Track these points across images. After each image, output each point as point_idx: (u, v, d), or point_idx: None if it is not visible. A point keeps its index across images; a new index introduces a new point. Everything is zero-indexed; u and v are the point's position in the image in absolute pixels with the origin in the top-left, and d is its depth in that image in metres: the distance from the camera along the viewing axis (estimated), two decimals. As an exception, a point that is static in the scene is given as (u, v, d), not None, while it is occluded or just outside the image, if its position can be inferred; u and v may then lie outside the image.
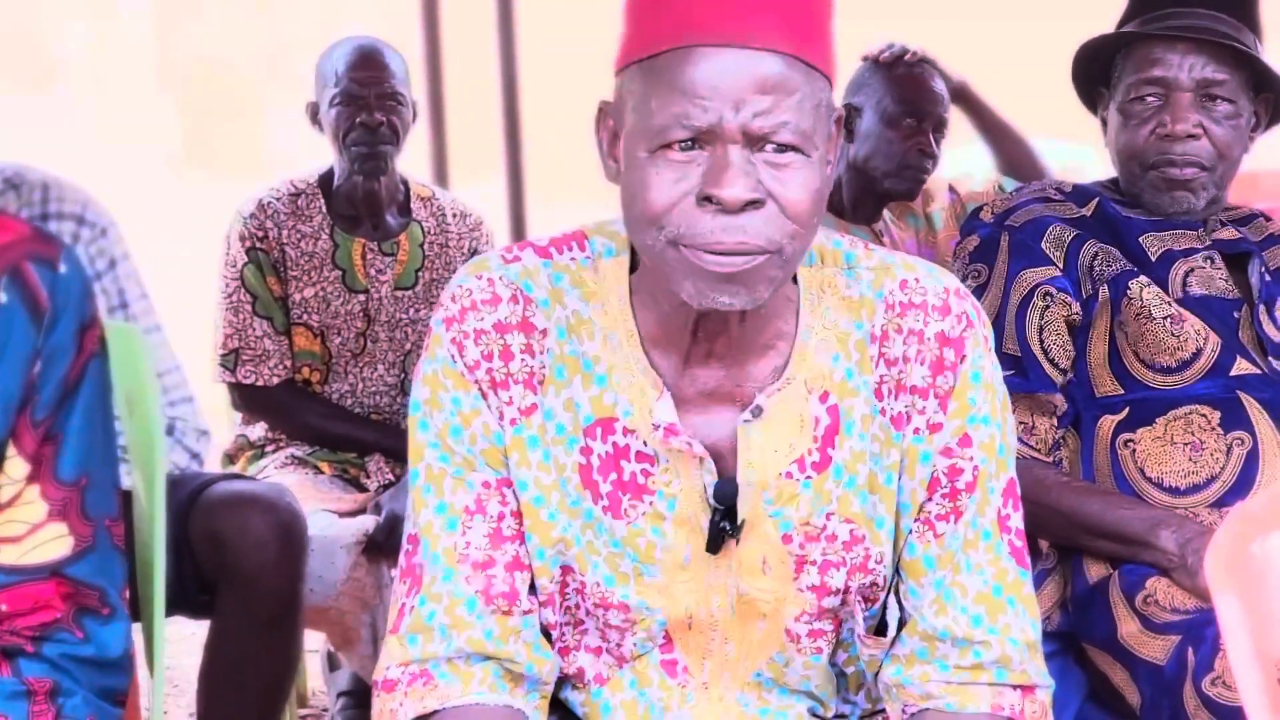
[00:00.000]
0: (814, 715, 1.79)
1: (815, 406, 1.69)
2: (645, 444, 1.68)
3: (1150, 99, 2.46)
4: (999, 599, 1.72)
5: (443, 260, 3.56)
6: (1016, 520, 1.74)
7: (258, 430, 3.55)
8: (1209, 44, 2.43)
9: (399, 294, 3.51)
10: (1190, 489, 2.36)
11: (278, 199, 3.47)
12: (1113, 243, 2.46)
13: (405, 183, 3.61)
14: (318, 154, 3.57)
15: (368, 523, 3.18)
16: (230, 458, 3.59)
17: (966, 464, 1.70)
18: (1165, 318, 2.39)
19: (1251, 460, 2.35)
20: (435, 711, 1.67)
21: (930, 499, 1.71)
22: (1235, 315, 2.44)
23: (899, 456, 1.70)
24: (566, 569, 1.70)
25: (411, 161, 3.68)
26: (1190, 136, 2.43)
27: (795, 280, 1.69)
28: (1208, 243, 2.50)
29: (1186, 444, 2.36)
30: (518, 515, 1.69)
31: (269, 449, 3.52)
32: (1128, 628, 2.27)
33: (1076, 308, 2.43)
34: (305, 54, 3.97)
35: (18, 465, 1.67)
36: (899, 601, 1.76)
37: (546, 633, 1.73)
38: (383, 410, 3.53)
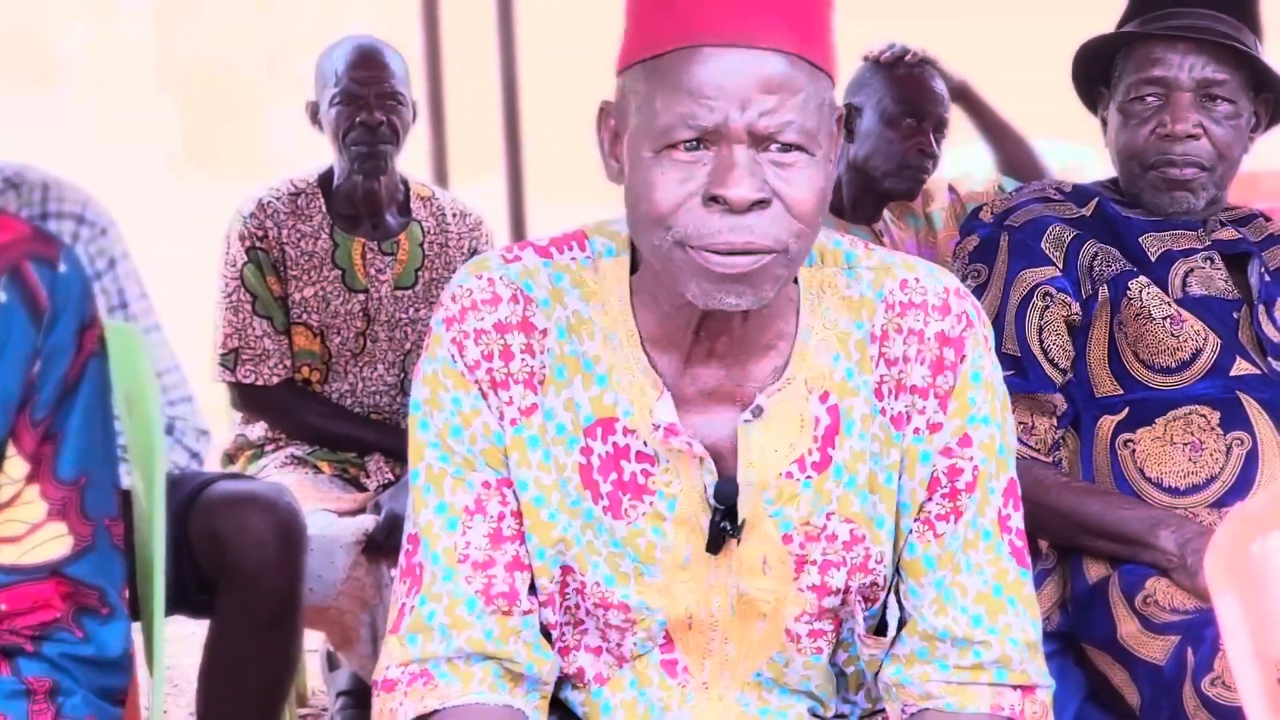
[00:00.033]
0: (814, 715, 1.79)
1: (815, 406, 1.69)
2: (645, 444, 1.68)
3: (1150, 99, 2.46)
4: (999, 599, 1.72)
5: (442, 260, 3.56)
6: (1017, 520, 1.74)
7: (257, 430, 3.55)
8: (1209, 44, 2.43)
9: (399, 293, 3.51)
10: (1190, 489, 2.36)
11: (277, 198, 3.47)
12: (1112, 243, 2.46)
13: (405, 182, 3.61)
14: (318, 154, 3.57)
15: (367, 522, 3.18)
16: (230, 457, 3.59)
17: (966, 464, 1.70)
18: (1165, 318, 2.39)
19: (1251, 460, 2.35)
20: (435, 711, 1.67)
21: (930, 499, 1.71)
22: (1235, 315, 2.44)
23: (899, 456, 1.70)
24: (566, 569, 1.70)
25: (411, 161, 3.68)
26: (1190, 136, 2.43)
27: (796, 280, 1.69)
28: (1207, 243, 2.50)
29: (1186, 444, 2.36)
30: (518, 515, 1.69)
31: (269, 448, 3.52)
32: (1127, 628, 2.27)
33: (1076, 308, 2.43)
34: (305, 54, 3.97)
35: (17, 465, 1.67)
36: (899, 601, 1.76)
37: (546, 632, 1.73)
38: (382, 410, 3.53)
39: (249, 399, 3.49)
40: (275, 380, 3.44)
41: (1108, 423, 2.40)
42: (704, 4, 1.54)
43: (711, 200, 1.54)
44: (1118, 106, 2.50)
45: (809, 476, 1.69)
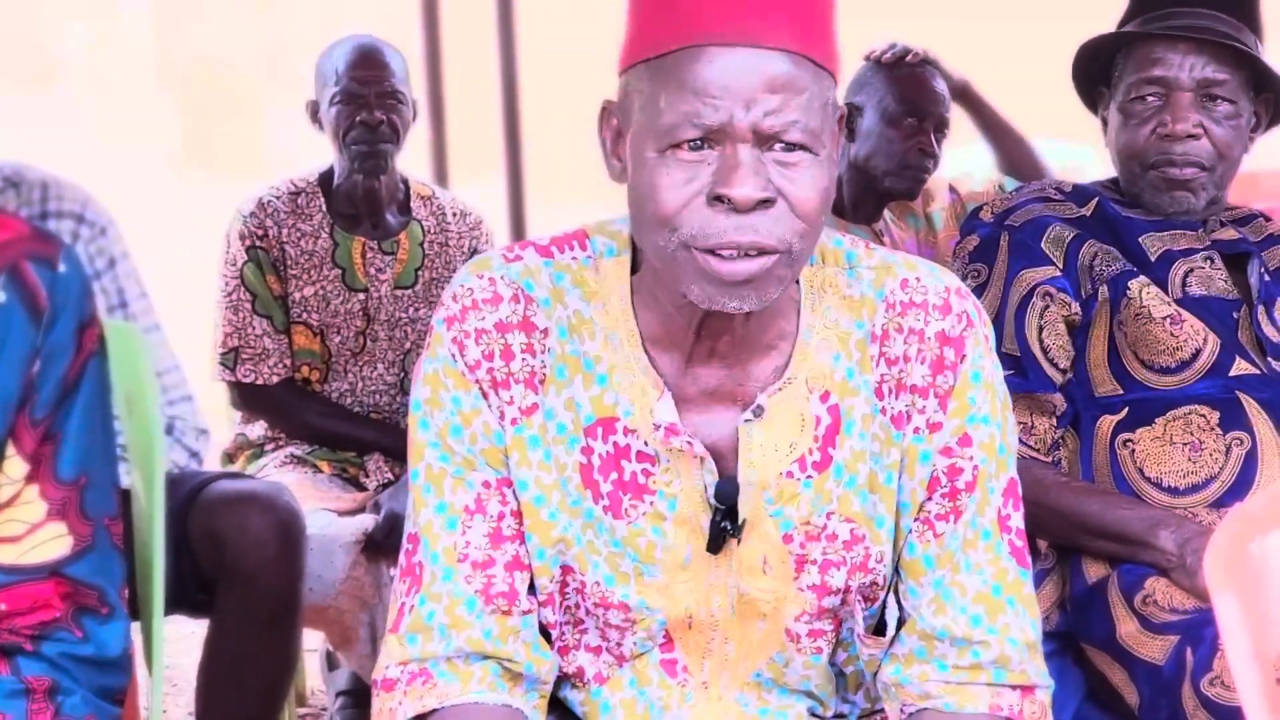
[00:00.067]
0: (813, 715, 1.79)
1: (816, 406, 1.69)
2: (646, 444, 1.68)
3: (1150, 99, 2.46)
4: (998, 599, 1.72)
5: (442, 259, 3.56)
6: (1017, 520, 1.74)
7: (257, 429, 3.55)
8: (1210, 44, 2.43)
9: (399, 293, 3.51)
10: (1189, 489, 2.36)
11: (278, 198, 3.47)
12: (1112, 243, 2.46)
13: (405, 182, 3.61)
14: (318, 154, 3.57)
15: (367, 522, 3.18)
16: (229, 456, 3.59)
17: (966, 463, 1.70)
18: (1165, 318, 2.39)
19: (1250, 460, 2.34)
20: (434, 710, 1.67)
21: (930, 498, 1.71)
22: (1234, 315, 2.44)
23: (899, 456, 1.70)
24: (566, 569, 1.70)
25: (411, 161, 3.68)
26: (1190, 136, 2.43)
27: (797, 280, 1.69)
28: (1207, 243, 2.50)
29: (1185, 444, 2.36)
30: (517, 515, 1.69)
31: (268, 448, 3.52)
32: (1126, 628, 2.27)
33: (1076, 308, 2.43)
34: (305, 54, 3.96)
35: (17, 465, 1.67)
36: (898, 601, 1.76)
37: (546, 632, 1.73)
38: (382, 409, 3.53)
39: (249, 398, 3.49)
40: (275, 379, 3.44)
41: (1107, 422, 2.40)
42: (708, 3, 1.54)
43: (716, 200, 1.54)
44: (1118, 106, 2.50)
45: (809, 476, 1.69)
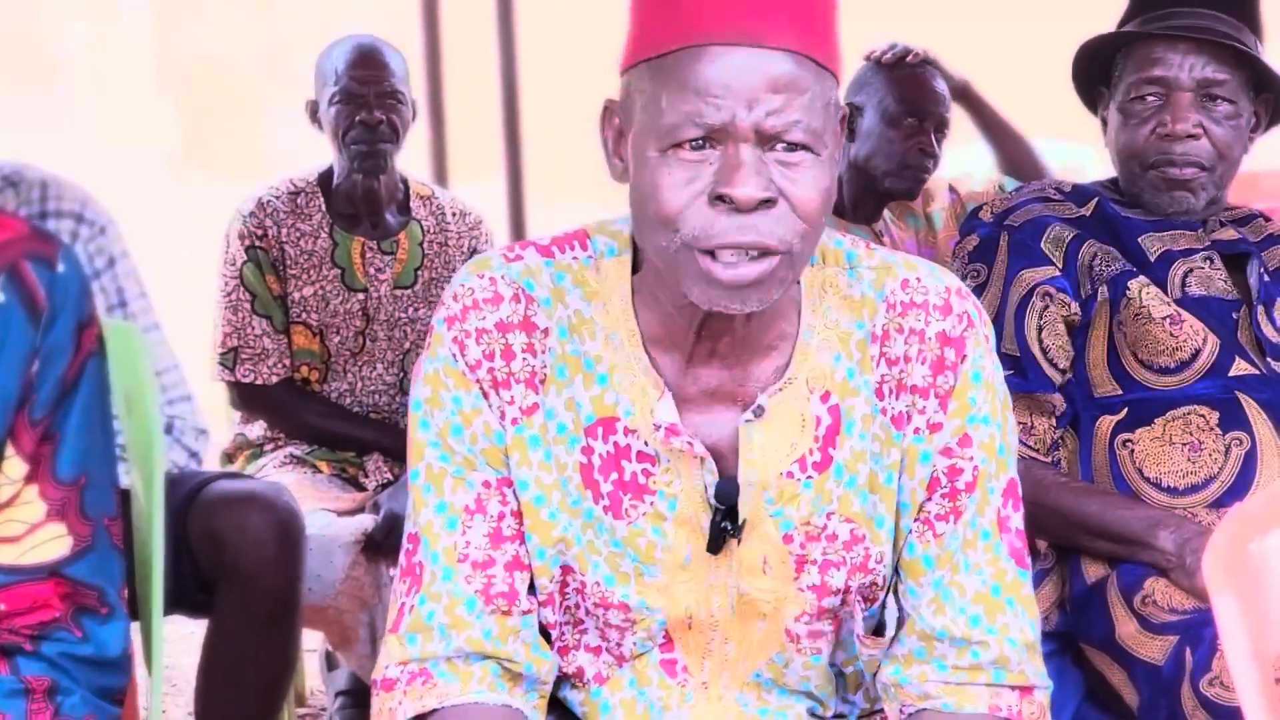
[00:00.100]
0: (813, 715, 1.79)
1: (816, 406, 1.69)
2: (646, 444, 1.68)
3: (1150, 98, 2.46)
4: (998, 599, 1.72)
5: (442, 259, 3.55)
6: (1016, 520, 1.74)
7: (256, 429, 3.54)
8: (1209, 44, 2.43)
9: (398, 293, 3.51)
10: (1188, 489, 2.36)
11: (277, 197, 3.47)
12: (1112, 243, 2.46)
13: (405, 181, 3.61)
14: (318, 154, 3.57)
15: (366, 522, 3.18)
16: (229, 456, 3.59)
17: (966, 464, 1.70)
18: (1164, 318, 2.39)
19: (1250, 461, 2.34)
20: (434, 710, 1.67)
21: (930, 499, 1.71)
22: (1234, 316, 2.44)
23: (899, 456, 1.70)
24: (567, 569, 1.70)
25: (411, 161, 3.68)
26: (1190, 136, 2.43)
27: (798, 280, 1.69)
28: (1207, 243, 2.50)
29: (1185, 444, 2.36)
30: (518, 515, 1.69)
31: (268, 448, 3.52)
32: (1126, 628, 2.27)
33: (1075, 308, 2.43)
34: (305, 54, 3.96)
35: (16, 465, 1.67)
36: (898, 601, 1.76)
37: (546, 632, 1.73)
38: (381, 409, 3.52)
39: (248, 398, 3.49)
40: (274, 379, 3.44)
41: (1107, 423, 2.40)
42: (710, 3, 1.54)
43: (718, 199, 1.54)
44: (1118, 106, 2.50)
45: (810, 476, 1.69)
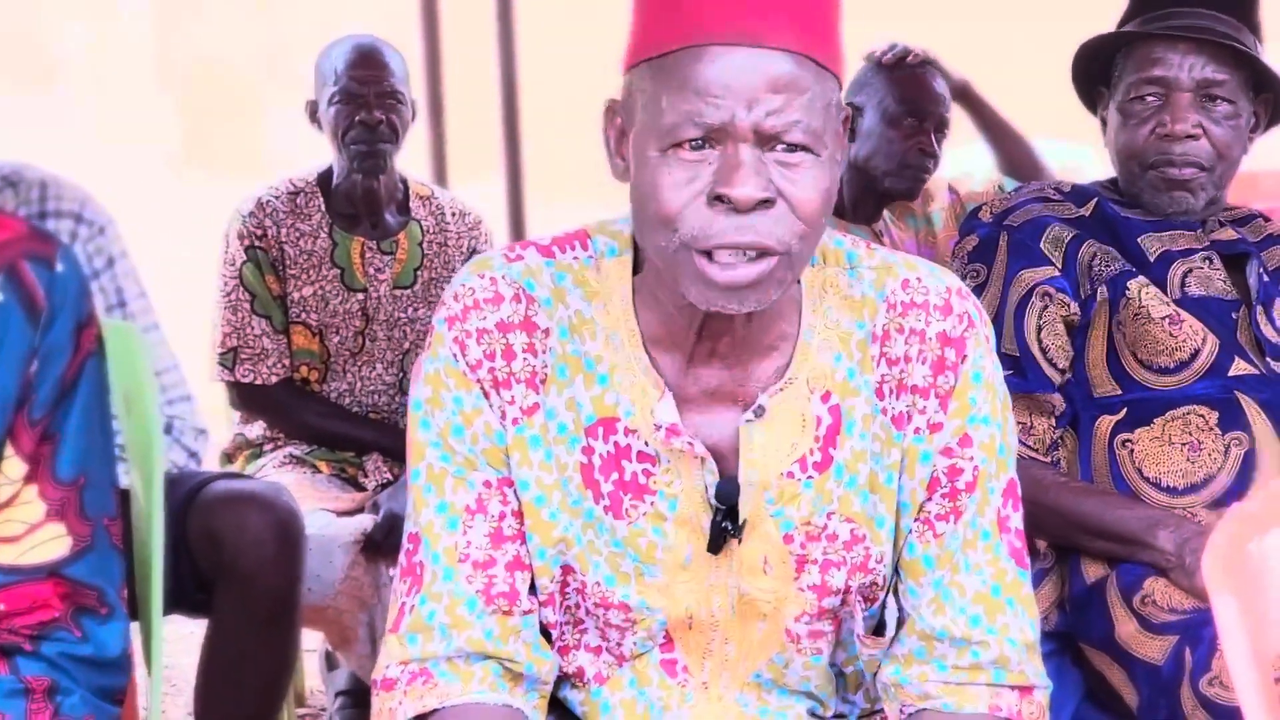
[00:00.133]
0: (813, 715, 1.79)
1: (817, 406, 1.69)
2: (647, 444, 1.68)
3: (1150, 98, 2.46)
4: (997, 599, 1.72)
5: (441, 259, 3.55)
6: (1016, 520, 1.74)
7: (256, 429, 3.54)
8: (1209, 44, 2.43)
9: (397, 293, 3.51)
10: (1188, 489, 2.36)
11: (276, 197, 3.47)
12: (1111, 243, 2.46)
13: (404, 181, 3.61)
14: (318, 154, 3.57)
15: (365, 522, 3.18)
16: (228, 456, 3.59)
17: (966, 464, 1.70)
18: (1164, 318, 2.39)
19: (1249, 460, 2.34)
20: (434, 710, 1.67)
21: (930, 499, 1.71)
22: (1233, 316, 2.44)
23: (899, 456, 1.70)
24: (567, 569, 1.70)
25: (410, 161, 3.68)
26: (1189, 136, 2.43)
27: (799, 280, 1.69)
28: (1206, 243, 2.50)
29: (1184, 444, 2.36)
30: (518, 515, 1.69)
31: (267, 448, 3.52)
32: (1125, 628, 2.27)
33: (1075, 308, 2.43)
34: (305, 54, 3.96)
35: (15, 465, 1.67)
36: (898, 601, 1.76)
37: (546, 632, 1.73)
38: (381, 409, 3.52)
39: (247, 398, 3.49)
40: (274, 379, 3.44)
41: (1106, 422, 2.40)
42: (711, 3, 1.54)
43: (716, 199, 1.54)
44: (1117, 106, 2.50)
45: (810, 476, 1.69)
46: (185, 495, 2.54)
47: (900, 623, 1.76)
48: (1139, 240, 2.47)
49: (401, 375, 3.52)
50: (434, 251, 3.55)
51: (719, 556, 1.69)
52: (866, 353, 1.69)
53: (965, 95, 3.66)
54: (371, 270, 3.49)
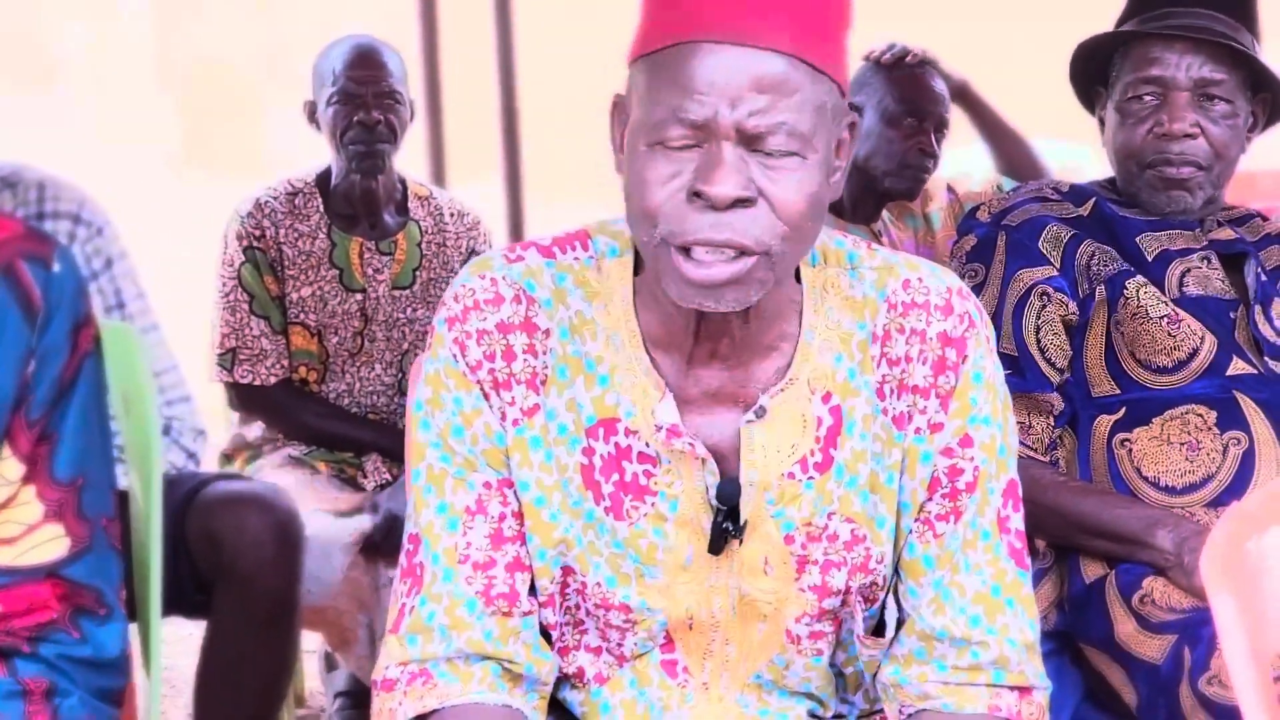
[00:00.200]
0: (813, 716, 1.79)
1: (818, 406, 1.68)
2: (647, 445, 1.67)
3: (1148, 98, 2.46)
4: (997, 599, 1.72)
5: (440, 260, 3.55)
6: (1016, 521, 1.74)
7: (255, 430, 3.54)
8: (1207, 43, 2.43)
9: (396, 293, 3.51)
10: (1186, 488, 2.36)
11: (275, 198, 3.47)
12: (1109, 242, 2.46)
13: (403, 182, 3.60)
14: (317, 154, 3.57)
15: (365, 523, 3.18)
16: (227, 457, 3.58)
17: (967, 464, 1.70)
18: (1162, 318, 2.39)
19: (1248, 460, 2.34)
20: (434, 711, 1.66)
21: (930, 499, 1.71)
22: (1232, 315, 2.44)
23: (900, 456, 1.70)
24: (567, 570, 1.70)
25: (409, 161, 3.68)
26: (1187, 136, 2.43)
27: (799, 280, 1.69)
28: (1204, 243, 2.50)
29: (1183, 444, 2.36)
30: (518, 516, 1.69)
31: (266, 449, 3.51)
32: (1124, 627, 2.27)
33: (1073, 307, 2.43)
34: (305, 54, 3.96)
35: (13, 466, 1.67)
36: (898, 601, 1.76)
37: (546, 633, 1.73)
38: (380, 410, 3.52)
39: (246, 399, 3.49)
40: (273, 380, 3.44)
41: (1105, 422, 2.40)
42: (707, 1, 1.54)
43: (695, 195, 1.54)
44: (1115, 106, 2.50)
45: (811, 477, 1.69)
46: (184, 496, 2.54)
47: (900, 623, 1.75)
48: (1137, 240, 2.47)
49: (400, 376, 3.52)
50: (432, 252, 3.55)
51: (720, 557, 1.69)
52: (867, 353, 1.69)
53: (964, 95, 3.66)
54: (370, 271, 3.49)
